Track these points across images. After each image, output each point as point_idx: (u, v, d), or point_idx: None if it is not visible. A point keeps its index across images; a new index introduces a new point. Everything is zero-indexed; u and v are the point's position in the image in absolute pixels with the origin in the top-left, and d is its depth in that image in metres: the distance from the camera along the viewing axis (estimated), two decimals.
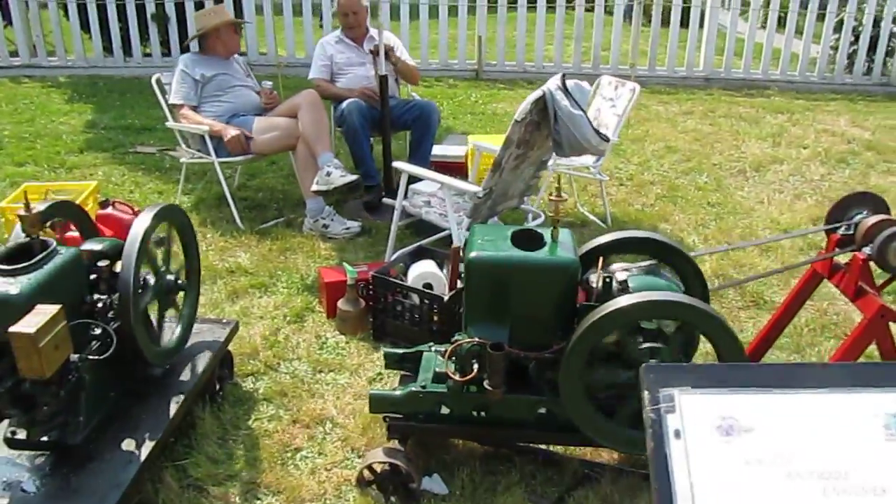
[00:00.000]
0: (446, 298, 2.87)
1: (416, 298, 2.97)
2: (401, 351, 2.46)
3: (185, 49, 8.01)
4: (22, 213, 2.04)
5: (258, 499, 2.28)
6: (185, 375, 2.48)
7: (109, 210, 3.76)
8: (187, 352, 2.58)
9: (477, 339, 2.10)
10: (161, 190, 4.75)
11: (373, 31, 4.81)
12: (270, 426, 2.59)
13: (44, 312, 1.84)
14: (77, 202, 3.79)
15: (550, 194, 2.14)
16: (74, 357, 1.96)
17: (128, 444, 2.14)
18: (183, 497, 2.25)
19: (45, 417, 1.96)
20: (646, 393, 0.90)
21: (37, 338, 1.78)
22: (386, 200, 3.65)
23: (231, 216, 4.25)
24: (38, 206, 2.12)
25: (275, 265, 3.76)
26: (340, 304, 3.17)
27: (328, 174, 3.92)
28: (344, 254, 3.92)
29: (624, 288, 2.13)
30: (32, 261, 1.96)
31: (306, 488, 2.31)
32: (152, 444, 2.14)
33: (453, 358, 2.15)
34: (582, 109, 3.02)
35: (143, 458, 2.09)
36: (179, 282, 2.46)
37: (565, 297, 2.09)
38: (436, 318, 2.93)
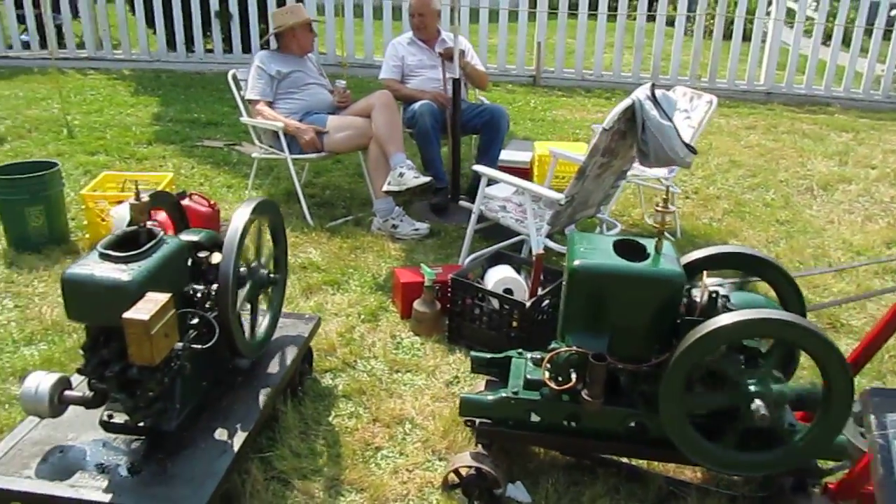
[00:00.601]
0: (528, 305, 2.85)
1: (495, 303, 2.96)
2: (488, 355, 2.45)
3: (246, 46, 8.15)
4: (132, 201, 2.06)
5: (341, 495, 2.28)
6: (272, 368, 2.49)
7: (186, 202, 3.81)
8: (273, 345, 2.59)
9: (575, 348, 2.08)
10: (230, 184, 4.80)
11: (444, 34, 4.82)
12: (350, 423, 2.59)
13: (155, 300, 1.86)
14: None
15: (657, 205, 2.11)
16: (178, 345, 1.98)
17: (220, 434, 2.16)
18: (268, 489, 2.26)
19: (146, 403, 1.97)
20: (872, 418, 0.87)
21: (150, 325, 1.80)
22: (463, 203, 3.64)
23: (301, 212, 4.28)
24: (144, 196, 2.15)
25: (346, 263, 3.78)
26: (416, 305, 3.16)
27: (401, 175, 3.93)
28: (413, 255, 3.92)
29: (725, 304, 2.10)
30: (142, 249, 1.98)
31: (389, 488, 2.30)
32: (244, 435, 2.15)
33: (549, 366, 2.12)
34: (670, 120, 2.98)
35: (236, 448, 2.10)
36: (271, 276, 2.48)
37: (668, 310, 2.06)
38: (515, 323, 2.91)
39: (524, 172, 5.07)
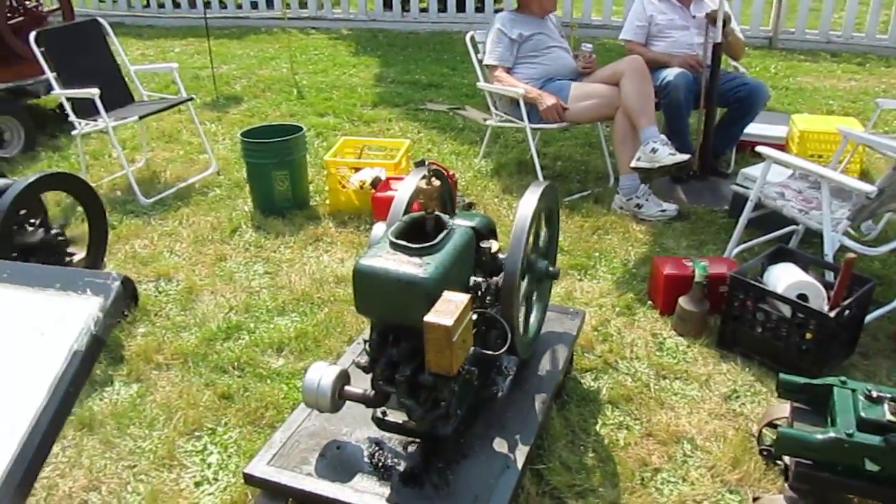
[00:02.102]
0: (832, 315, 2.42)
1: (785, 310, 2.55)
2: (802, 380, 2.07)
3: (460, 5, 7.96)
4: (423, 185, 1.88)
5: None
6: (542, 370, 2.27)
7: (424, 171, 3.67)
8: (540, 342, 2.37)
9: None
10: (457, 151, 4.64)
11: None
12: (621, 436, 2.32)
13: (455, 302, 1.67)
14: (395, 161, 3.74)
15: None
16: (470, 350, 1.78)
17: (499, 445, 1.96)
18: None
19: (433, 409, 1.80)
20: None
21: (452, 331, 1.61)
22: (736, 188, 3.23)
23: None
24: (423, 178, 1.96)
25: (590, 245, 3.49)
26: (682, 302, 2.82)
27: (654, 151, 3.56)
28: (662, 239, 3.56)
29: None
30: (436, 240, 1.79)
31: None
32: (526, 448, 1.95)
33: None
34: None
35: (519, 464, 1.90)
36: (551, 269, 2.23)
37: None
38: (809, 335, 2.50)
39: (778, 149, 4.51)
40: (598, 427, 2.36)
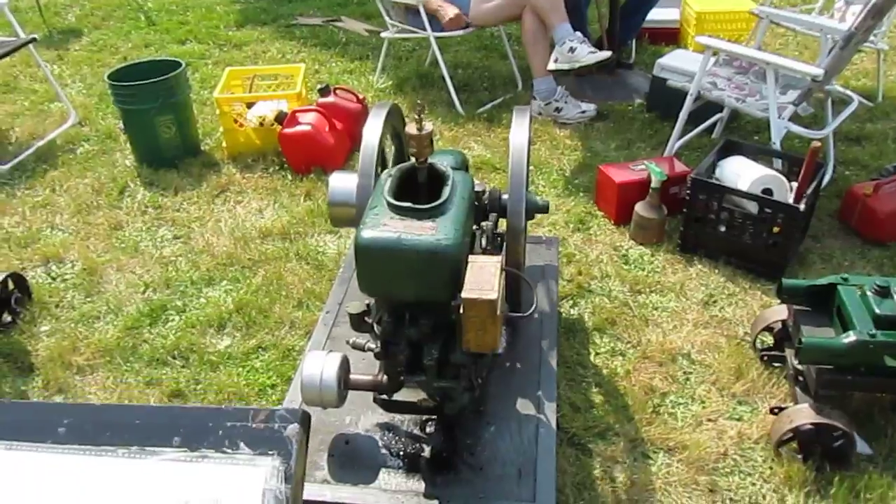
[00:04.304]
0: (802, 207, 2.39)
1: (751, 207, 2.49)
2: (805, 283, 2.02)
3: None
4: (414, 131, 1.58)
5: (650, 458, 1.93)
6: (536, 311, 2.09)
7: (332, 99, 3.31)
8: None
9: None
10: (349, 69, 4.24)
11: None
12: (618, 364, 2.22)
13: (488, 268, 1.43)
14: (297, 91, 3.36)
15: None
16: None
17: (523, 406, 1.79)
18: (563, 454, 1.91)
19: (468, 388, 1.59)
20: None
21: (497, 304, 1.38)
22: (673, 84, 3.08)
23: (445, 99, 3.76)
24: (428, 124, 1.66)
25: None
26: (640, 209, 2.72)
27: (572, 50, 3.36)
28: (589, 142, 3.42)
29: None
30: (445, 197, 1.53)
31: (703, 447, 1.95)
32: (553, 404, 1.79)
33: None
34: None
35: (552, 422, 1.74)
36: (540, 202, 2.02)
37: None
38: (776, 229, 2.46)
39: (672, 34, 4.47)
40: (592, 358, 2.25)
